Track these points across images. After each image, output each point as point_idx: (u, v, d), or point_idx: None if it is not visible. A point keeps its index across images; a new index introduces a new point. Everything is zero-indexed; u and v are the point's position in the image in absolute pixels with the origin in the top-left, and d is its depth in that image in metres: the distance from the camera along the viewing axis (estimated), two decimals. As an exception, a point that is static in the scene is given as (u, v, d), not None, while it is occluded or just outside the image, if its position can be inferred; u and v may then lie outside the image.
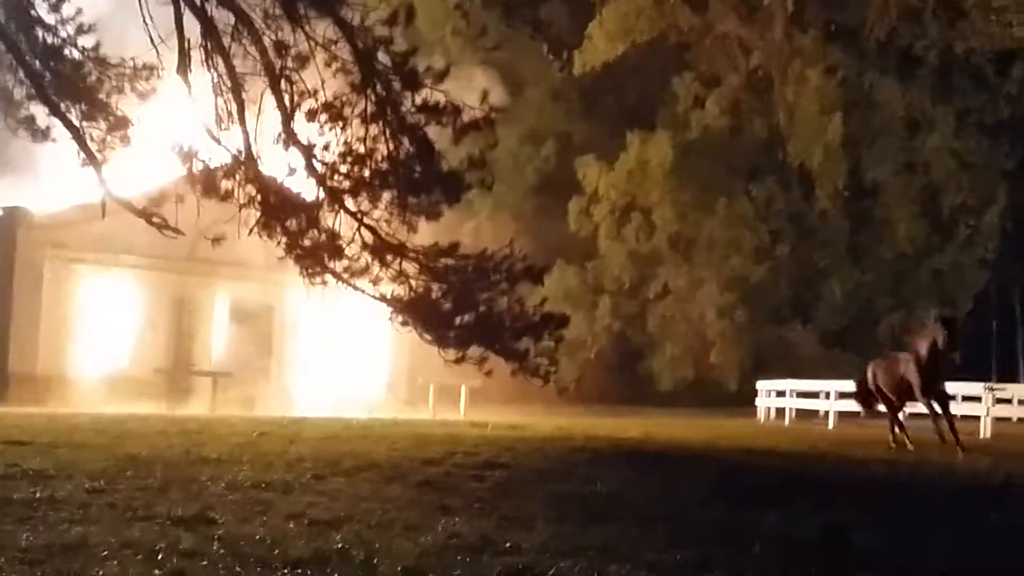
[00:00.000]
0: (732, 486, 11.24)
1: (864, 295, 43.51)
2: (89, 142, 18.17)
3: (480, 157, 17.82)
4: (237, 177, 17.80)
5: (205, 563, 6.02)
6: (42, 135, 19.74)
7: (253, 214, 17.76)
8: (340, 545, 6.67)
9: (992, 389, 27.03)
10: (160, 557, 6.12)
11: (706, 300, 41.88)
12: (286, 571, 5.90)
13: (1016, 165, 43.98)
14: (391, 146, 17.90)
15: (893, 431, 19.39)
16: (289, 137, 18.04)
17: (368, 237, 18.23)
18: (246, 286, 30.79)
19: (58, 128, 18.83)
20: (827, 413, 30.11)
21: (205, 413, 25.68)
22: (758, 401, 34.22)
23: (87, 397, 28.29)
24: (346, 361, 32.20)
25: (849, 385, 30.32)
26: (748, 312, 41.36)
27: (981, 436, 23.65)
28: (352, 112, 17.90)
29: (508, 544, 7.09)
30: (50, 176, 26.66)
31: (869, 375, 20.33)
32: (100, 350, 29.94)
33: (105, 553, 6.29)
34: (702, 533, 8.09)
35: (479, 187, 17.91)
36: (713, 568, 6.64)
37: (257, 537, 6.87)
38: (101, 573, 5.85)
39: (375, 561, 6.10)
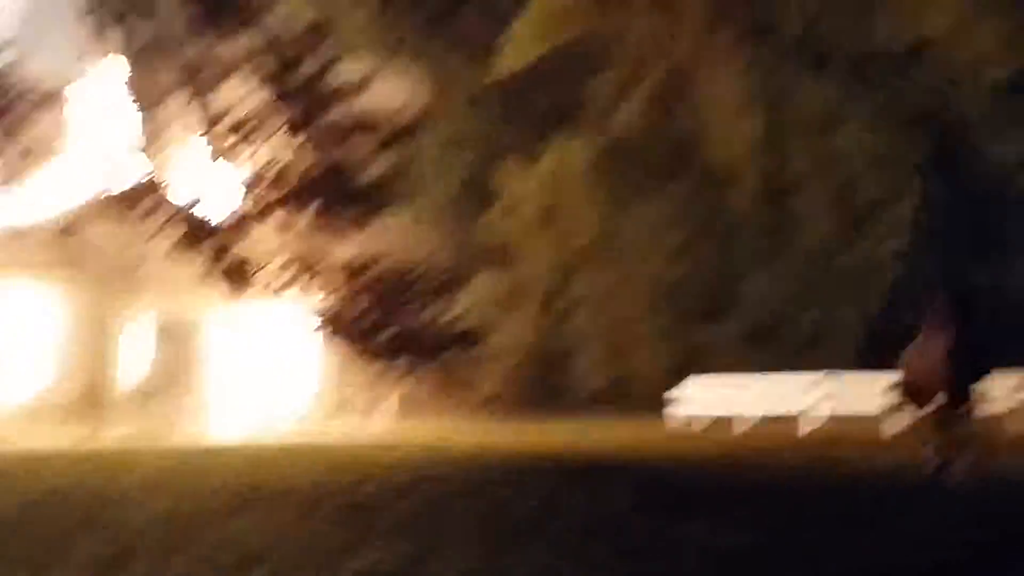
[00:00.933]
0: (652, 498, 11.41)
1: (783, 292, 44.02)
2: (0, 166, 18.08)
3: (401, 168, 18.02)
4: (155, 196, 17.85)
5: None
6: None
7: (173, 234, 17.81)
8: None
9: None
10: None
11: (626, 303, 42.17)
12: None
13: (926, 158, 44.73)
14: (312, 160, 18.07)
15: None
16: (210, 152, 18.13)
17: (290, 251, 18.37)
18: (169, 302, 30.53)
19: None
20: (749, 415, 30.37)
21: (129, 436, 25.48)
22: (677, 404, 34.41)
23: (4, 425, 27.90)
24: (273, 373, 32.10)
25: (768, 382, 30.85)
26: (668, 313, 41.71)
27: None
28: (273, 126, 18.04)
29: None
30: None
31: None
32: (17, 372, 29.57)
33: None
34: (623, 549, 8.26)
35: (400, 199, 18.05)
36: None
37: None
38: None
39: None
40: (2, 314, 29.81)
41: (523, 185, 42.66)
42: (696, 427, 31.26)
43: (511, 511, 10.38)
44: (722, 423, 30.44)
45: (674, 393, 34.55)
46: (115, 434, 26.19)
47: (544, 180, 42.45)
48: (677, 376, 36.82)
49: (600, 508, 10.51)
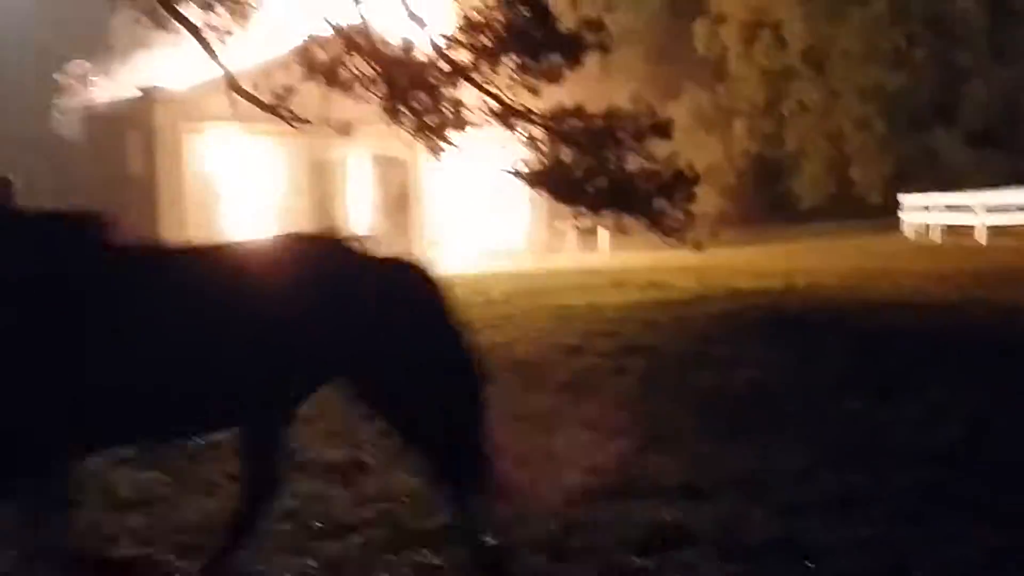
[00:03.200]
0: (879, 365, 11.05)
1: (1009, 91, 41.90)
2: (209, 31, 18.28)
3: (597, 18, 17.57)
4: (358, 58, 17.84)
5: (358, 543, 6.24)
6: (164, 23, 19.81)
7: (377, 94, 17.85)
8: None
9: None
10: (316, 536, 6.37)
11: (844, 113, 40.83)
12: (425, 552, 6.06)
13: None
14: (508, 13, 17.74)
15: None
16: (407, 12, 18.01)
17: (492, 104, 18.22)
18: (380, 143, 30.70)
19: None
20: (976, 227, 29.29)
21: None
22: (903, 216, 33.56)
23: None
24: (485, 209, 32.42)
25: (1000, 196, 29.47)
26: (888, 122, 40.23)
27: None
28: (468, -21, 17.78)
29: (649, 481, 7.21)
30: (181, 52, 26.89)
31: None
32: (245, 219, 30.60)
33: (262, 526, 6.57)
34: (841, 441, 8.07)
35: (598, 49, 17.61)
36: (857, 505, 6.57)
37: (405, 496, 7.06)
38: (260, 559, 6.07)
39: (517, 533, 6.22)
40: (223, 162, 30.81)
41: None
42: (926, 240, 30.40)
43: (728, 384, 10.32)
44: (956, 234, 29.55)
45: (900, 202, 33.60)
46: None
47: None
48: (899, 185, 35.87)
49: (816, 382, 10.23)
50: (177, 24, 18.95)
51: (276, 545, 6.24)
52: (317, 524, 6.56)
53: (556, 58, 17.72)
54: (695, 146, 36.57)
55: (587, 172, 17.63)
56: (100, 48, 31.78)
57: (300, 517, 6.70)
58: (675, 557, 5.78)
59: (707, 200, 31.28)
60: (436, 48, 18.05)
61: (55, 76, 34.86)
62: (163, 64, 28.58)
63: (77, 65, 34.51)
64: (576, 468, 7.62)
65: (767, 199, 41.75)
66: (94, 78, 33.91)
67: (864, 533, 6.01)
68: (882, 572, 5.43)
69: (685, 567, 5.64)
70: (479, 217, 32.43)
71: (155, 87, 30.54)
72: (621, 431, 8.67)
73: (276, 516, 6.68)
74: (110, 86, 32.69)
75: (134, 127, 31.59)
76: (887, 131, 40.22)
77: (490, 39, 17.84)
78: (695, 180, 17.56)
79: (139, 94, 31.01)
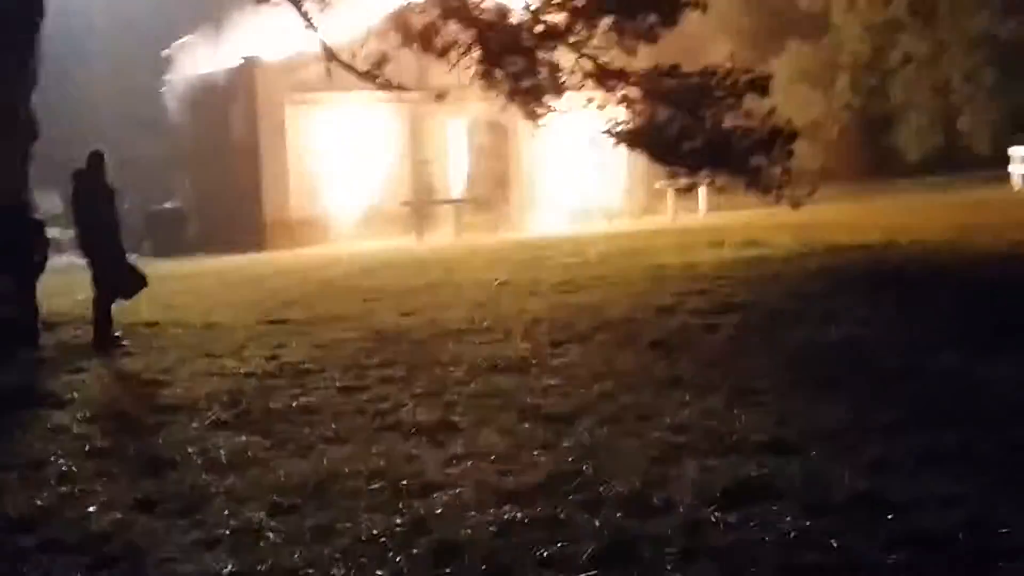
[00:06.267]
0: (980, 321, 10.87)
1: None
2: (308, 2, 18.40)
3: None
4: (452, 23, 17.89)
5: (444, 501, 6.36)
6: (265, -1, 19.92)
7: (472, 60, 17.90)
8: (570, 460, 6.94)
9: None
10: (404, 496, 6.50)
11: (951, 64, 39.87)
12: (509, 509, 6.15)
13: None
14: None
15: None
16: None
17: (588, 66, 18.18)
18: (478, 107, 30.70)
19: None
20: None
21: (450, 242, 26.53)
22: (1012, 168, 32.78)
23: (339, 234, 29.61)
24: (583, 171, 32.34)
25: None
26: (998, 72, 39.18)
27: None
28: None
29: (735, 438, 7.22)
30: (280, 21, 27.18)
31: None
32: (346, 188, 30.92)
33: (353, 486, 6.74)
34: (938, 398, 8.00)
35: (694, 7, 17.42)
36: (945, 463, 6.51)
37: (492, 456, 7.19)
38: (350, 518, 6.22)
39: (601, 490, 6.30)
40: (324, 132, 31.10)
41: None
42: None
43: (820, 342, 10.25)
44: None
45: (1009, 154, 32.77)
46: (436, 240, 27.34)
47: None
48: (1010, 136, 35.02)
49: (911, 339, 10.12)
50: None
51: (365, 504, 6.38)
52: (404, 483, 6.68)
53: (652, 18, 17.58)
54: (797, 102, 35.99)
55: (683, 131, 17.52)
56: (204, 22, 32.22)
57: (389, 476, 6.84)
58: (757, 512, 5.79)
59: (808, 156, 30.91)
60: (530, 11, 18.00)
61: (161, 53, 35.42)
62: (264, 35, 28.85)
63: (182, 40, 35.00)
64: (661, 425, 7.67)
65: (872, 154, 40.89)
66: (199, 52, 34.37)
67: (951, 491, 5.95)
68: (967, 530, 5.37)
69: (766, 521, 5.65)
70: (577, 179, 32.38)
71: (255, 58, 30.89)
72: (710, 388, 8.69)
73: (365, 475, 6.86)
74: (214, 59, 33.11)
75: (236, 98, 32.03)
76: (996, 81, 39.16)
77: (585, 1, 17.76)
78: (793, 136, 17.35)
79: (240, 65, 31.41)
